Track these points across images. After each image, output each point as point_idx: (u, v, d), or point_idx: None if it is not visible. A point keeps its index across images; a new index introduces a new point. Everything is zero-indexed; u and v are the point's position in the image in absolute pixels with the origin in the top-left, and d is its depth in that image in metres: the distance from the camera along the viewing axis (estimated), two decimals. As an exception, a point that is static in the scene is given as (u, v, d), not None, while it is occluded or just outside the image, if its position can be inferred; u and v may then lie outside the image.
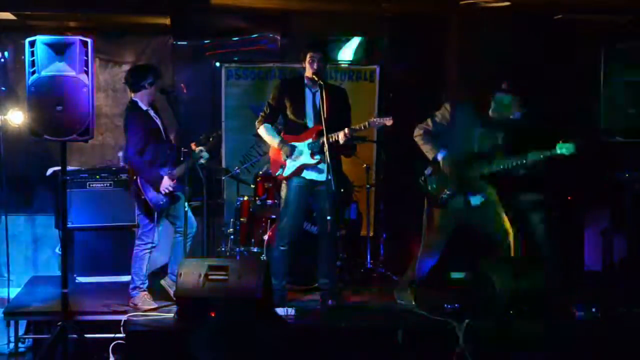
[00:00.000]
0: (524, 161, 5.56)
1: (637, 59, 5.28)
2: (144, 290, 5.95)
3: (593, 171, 7.54)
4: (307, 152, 5.85)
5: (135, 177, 5.87)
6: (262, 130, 6.01)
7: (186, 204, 6.00)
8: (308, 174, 5.89)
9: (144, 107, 5.92)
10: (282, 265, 5.95)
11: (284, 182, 5.96)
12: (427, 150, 5.79)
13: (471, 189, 5.74)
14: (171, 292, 5.88)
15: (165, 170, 5.91)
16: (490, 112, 5.64)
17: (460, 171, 5.72)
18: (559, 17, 8.14)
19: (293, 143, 5.89)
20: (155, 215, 5.90)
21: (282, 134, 6.00)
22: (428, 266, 5.96)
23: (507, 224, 5.83)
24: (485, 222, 5.84)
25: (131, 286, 5.94)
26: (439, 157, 5.74)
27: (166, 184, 5.86)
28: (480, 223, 5.87)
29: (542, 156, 5.53)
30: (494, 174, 5.80)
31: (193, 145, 6.05)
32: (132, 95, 5.95)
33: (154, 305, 5.79)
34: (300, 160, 5.87)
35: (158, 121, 6.00)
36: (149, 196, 5.85)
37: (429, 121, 5.81)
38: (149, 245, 5.94)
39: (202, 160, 6.03)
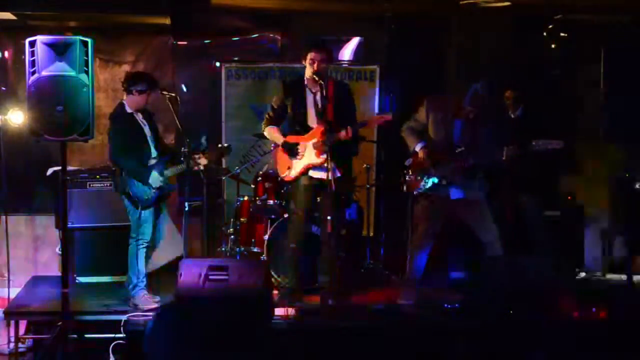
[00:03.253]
0: (501, 156, 5.63)
1: (638, 59, 5.28)
2: (143, 289, 5.95)
3: (593, 171, 7.56)
4: (312, 151, 5.86)
5: (122, 173, 5.93)
6: (268, 133, 6.09)
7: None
8: (315, 173, 5.91)
9: (129, 110, 6.01)
10: (292, 263, 5.97)
11: (292, 182, 5.98)
12: (409, 142, 5.99)
13: (452, 181, 5.79)
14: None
15: (156, 167, 6.00)
16: (465, 104, 5.75)
17: (438, 163, 5.78)
18: (559, 17, 8.15)
19: (299, 143, 5.92)
20: (140, 210, 5.93)
21: (286, 135, 6.02)
22: (423, 260, 5.98)
23: (492, 226, 5.85)
24: (468, 218, 5.88)
25: (130, 285, 5.94)
26: (417, 147, 5.90)
27: (155, 178, 5.95)
28: (465, 218, 5.91)
29: (517, 153, 5.62)
30: (485, 171, 5.85)
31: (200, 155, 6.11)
32: (123, 97, 6.06)
33: (154, 305, 5.79)
34: (306, 160, 5.89)
35: (146, 127, 6.08)
36: (133, 190, 5.90)
37: (412, 118, 6.03)
38: (141, 242, 5.96)
39: (196, 168, 6.09)
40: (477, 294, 5.49)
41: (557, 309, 5.54)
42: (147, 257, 6.11)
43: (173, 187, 6.17)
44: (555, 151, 5.61)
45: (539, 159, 5.96)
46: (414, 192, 5.93)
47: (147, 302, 5.84)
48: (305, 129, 5.93)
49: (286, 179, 6.03)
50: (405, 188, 5.99)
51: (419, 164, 5.90)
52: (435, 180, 5.83)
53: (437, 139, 5.89)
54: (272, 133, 6.06)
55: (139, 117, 6.06)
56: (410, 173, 5.96)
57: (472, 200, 5.84)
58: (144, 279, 5.98)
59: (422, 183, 5.86)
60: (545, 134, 6.73)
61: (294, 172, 5.94)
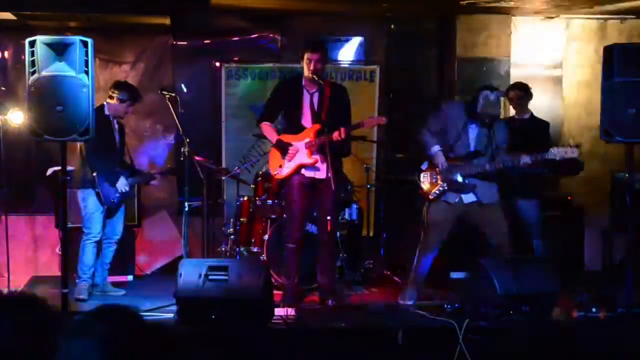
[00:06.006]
0: (518, 162, 5.62)
1: (637, 59, 5.27)
2: (85, 281, 6.16)
3: (593, 171, 7.56)
4: (304, 151, 5.86)
5: (93, 171, 6.13)
6: (262, 129, 6.06)
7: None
8: (308, 172, 5.90)
9: (107, 113, 6.18)
10: (292, 263, 5.96)
11: (286, 181, 5.97)
12: (424, 146, 5.92)
13: (466, 186, 5.78)
14: (110, 292, 6.36)
15: (123, 173, 6.29)
16: (478, 110, 5.68)
17: (454, 168, 5.77)
18: (558, 17, 8.16)
19: (291, 142, 5.90)
20: (103, 209, 6.19)
21: (280, 133, 6.02)
22: (428, 263, 5.98)
23: (505, 230, 5.84)
24: (482, 222, 5.86)
25: (78, 278, 6.21)
26: (432, 151, 5.83)
27: (122, 183, 6.21)
28: (477, 223, 5.90)
29: (533, 159, 5.59)
30: (496, 174, 5.83)
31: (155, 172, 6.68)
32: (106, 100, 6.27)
33: (83, 299, 6.06)
34: (297, 160, 5.88)
35: (117, 134, 6.29)
36: (103, 191, 6.14)
37: (429, 120, 5.95)
38: (91, 237, 6.17)
39: (153, 182, 6.64)
40: (478, 295, 5.48)
41: (557, 309, 5.55)
42: (98, 251, 6.36)
43: (133, 193, 6.58)
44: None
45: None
46: (430, 197, 5.88)
47: (79, 293, 6.06)
48: (299, 129, 5.91)
49: (277, 177, 6.02)
50: (420, 192, 5.94)
51: (434, 168, 5.87)
52: (444, 187, 5.79)
53: (454, 143, 5.85)
54: (266, 129, 6.02)
55: (115, 124, 6.26)
56: (426, 177, 5.91)
57: (486, 204, 5.82)
58: (89, 272, 6.19)
59: (436, 190, 5.82)
60: (547, 135, 6.75)
61: (285, 171, 5.91)
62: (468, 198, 5.82)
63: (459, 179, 5.79)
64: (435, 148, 5.84)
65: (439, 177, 5.84)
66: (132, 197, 6.56)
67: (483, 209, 5.83)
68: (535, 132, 6.60)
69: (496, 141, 5.79)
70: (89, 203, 6.15)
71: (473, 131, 5.82)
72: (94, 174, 6.11)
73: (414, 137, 6.04)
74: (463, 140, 5.82)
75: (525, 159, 5.63)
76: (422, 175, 5.93)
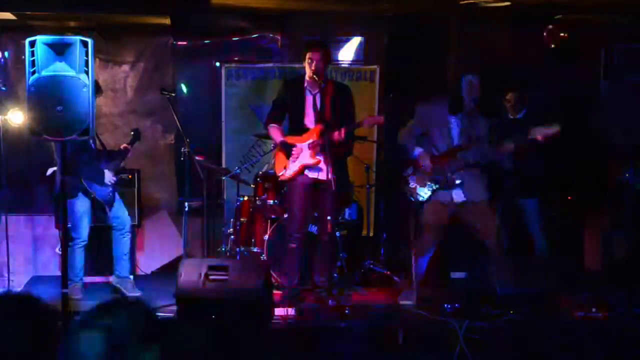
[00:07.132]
0: (502, 150, 5.63)
1: (637, 59, 5.28)
2: (77, 283, 6.21)
3: (593, 171, 7.55)
4: (307, 152, 5.88)
5: (81, 180, 6.19)
6: (269, 131, 6.10)
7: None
8: (311, 173, 5.92)
9: None
10: (293, 263, 5.97)
11: (289, 181, 5.98)
12: (406, 150, 5.96)
13: (453, 182, 5.78)
14: (124, 291, 6.35)
15: (104, 165, 6.32)
16: (463, 94, 5.70)
17: (440, 166, 5.78)
18: (559, 17, 8.16)
19: (295, 143, 5.92)
20: (108, 210, 6.33)
21: (285, 134, 6.04)
22: (425, 263, 5.99)
23: (493, 229, 5.86)
24: (473, 220, 5.87)
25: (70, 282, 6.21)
26: (416, 153, 5.85)
27: (109, 176, 6.26)
28: (468, 221, 5.90)
29: (516, 143, 5.60)
30: (487, 170, 5.85)
31: (124, 145, 6.58)
32: None
33: (77, 298, 6.07)
34: (300, 160, 5.89)
35: None
36: (98, 194, 6.22)
37: (409, 123, 5.97)
38: (79, 241, 6.24)
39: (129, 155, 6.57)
40: (478, 295, 5.49)
41: (557, 309, 5.55)
42: (123, 239, 6.43)
43: (121, 177, 6.58)
44: (555, 143, 5.59)
45: (539, 157, 5.95)
46: (420, 199, 5.89)
47: (73, 294, 6.03)
48: (302, 130, 5.93)
49: (281, 178, 6.06)
50: (410, 196, 5.96)
51: (420, 170, 5.87)
52: (433, 188, 5.81)
53: (436, 142, 5.87)
54: (273, 132, 6.07)
55: None
56: (414, 180, 5.92)
57: (476, 202, 5.83)
58: (80, 274, 6.26)
59: (420, 194, 5.84)
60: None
61: (289, 172, 5.96)
62: (458, 197, 5.84)
63: (447, 175, 5.81)
64: (418, 150, 5.87)
65: (426, 178, 5.85)
66: (120, 182, 6.57)
67: (472, 207, 5.84)
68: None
69: (475, 132, 5.81)
70: (75, 208, 6.16)
71: (455, 126, 5.85)
72: (84, 182, 6.19)
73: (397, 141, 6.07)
74: (446, 137, 5.84)
75: (509, 145, 5.65)
76: (409, 179, 5.95)
